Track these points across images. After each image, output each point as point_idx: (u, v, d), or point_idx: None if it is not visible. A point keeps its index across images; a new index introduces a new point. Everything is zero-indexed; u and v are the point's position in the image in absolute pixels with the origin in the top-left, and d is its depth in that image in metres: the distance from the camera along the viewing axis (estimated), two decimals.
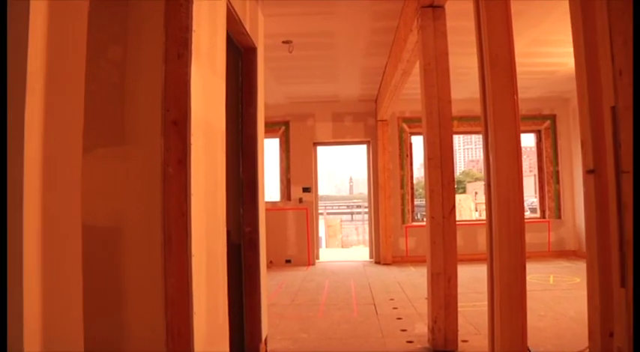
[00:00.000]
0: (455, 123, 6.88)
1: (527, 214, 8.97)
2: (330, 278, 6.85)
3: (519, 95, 2.17)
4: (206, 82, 2.16)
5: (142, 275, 1.88)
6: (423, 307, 4.71)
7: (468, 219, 12.92)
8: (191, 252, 1.87)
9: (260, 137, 3.47)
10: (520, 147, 1.97)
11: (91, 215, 1.90)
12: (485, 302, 4.91)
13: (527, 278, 2.27)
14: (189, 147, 1.90)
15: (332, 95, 8.20)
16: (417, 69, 4.86)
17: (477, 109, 8.28)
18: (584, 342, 3.57)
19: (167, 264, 1.86)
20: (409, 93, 7.20)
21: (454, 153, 3.65)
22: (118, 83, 1.98)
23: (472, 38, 5.33)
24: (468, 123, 8.60)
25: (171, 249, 1.86)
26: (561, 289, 5.60)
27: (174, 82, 1.93)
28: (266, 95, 7.69)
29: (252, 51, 3.43)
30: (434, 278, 3.38)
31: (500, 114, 1.98)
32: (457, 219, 3.60)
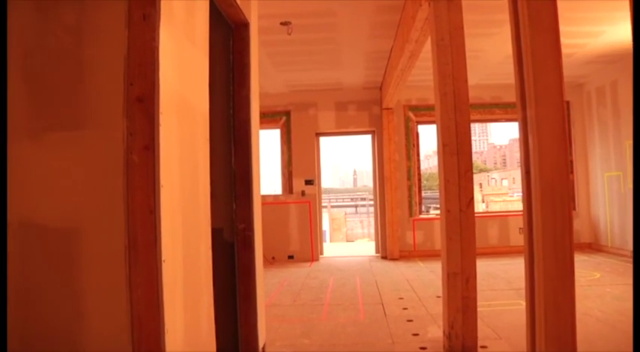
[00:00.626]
0: None
1: None
2: (334, 275, 6.51)
3: None
4: (182, 51, 1.80)
5: (102, 287, 1.53)
6: (435, 307, 4.37)
7: (474, 211, 12.56)
8: (161, 256, 1.53)
9: (254, 123, 3.11)
10: (566, 125, 1.60)
11: (40, 212, 1.56)
12: (503, 301, 4.63)
13: None
14: (158, 130, 1.54)
15: (335, 82, 7.80)
16: (424, 53, 4.48)
17: (485, 96, 7.97)
18: (617, 346, 3.24)
19: (132, 273, 1.51)
20: (415, 79, 6.82)
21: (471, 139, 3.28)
22: (73, 53, 1.63)
23: (481, 17, 4.90)
24: (478, 112, 8.20)
25: (137, 254, 1.51)
26: (581, 285, 5.23)
27: (139, 50, 1.57)
28: (265, 83, 7.33)
29: (244, 26, 3.06)
30: (450, 279, 3.03)
31: (543, 85, 1.60)
32: None
